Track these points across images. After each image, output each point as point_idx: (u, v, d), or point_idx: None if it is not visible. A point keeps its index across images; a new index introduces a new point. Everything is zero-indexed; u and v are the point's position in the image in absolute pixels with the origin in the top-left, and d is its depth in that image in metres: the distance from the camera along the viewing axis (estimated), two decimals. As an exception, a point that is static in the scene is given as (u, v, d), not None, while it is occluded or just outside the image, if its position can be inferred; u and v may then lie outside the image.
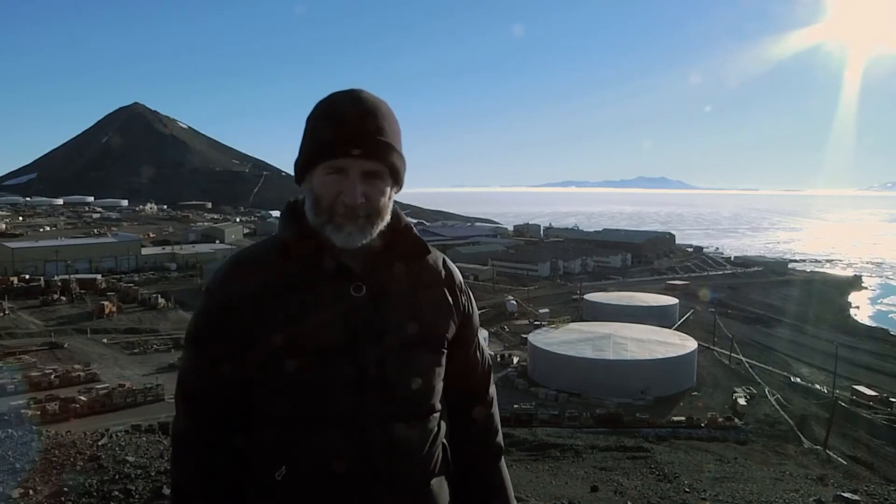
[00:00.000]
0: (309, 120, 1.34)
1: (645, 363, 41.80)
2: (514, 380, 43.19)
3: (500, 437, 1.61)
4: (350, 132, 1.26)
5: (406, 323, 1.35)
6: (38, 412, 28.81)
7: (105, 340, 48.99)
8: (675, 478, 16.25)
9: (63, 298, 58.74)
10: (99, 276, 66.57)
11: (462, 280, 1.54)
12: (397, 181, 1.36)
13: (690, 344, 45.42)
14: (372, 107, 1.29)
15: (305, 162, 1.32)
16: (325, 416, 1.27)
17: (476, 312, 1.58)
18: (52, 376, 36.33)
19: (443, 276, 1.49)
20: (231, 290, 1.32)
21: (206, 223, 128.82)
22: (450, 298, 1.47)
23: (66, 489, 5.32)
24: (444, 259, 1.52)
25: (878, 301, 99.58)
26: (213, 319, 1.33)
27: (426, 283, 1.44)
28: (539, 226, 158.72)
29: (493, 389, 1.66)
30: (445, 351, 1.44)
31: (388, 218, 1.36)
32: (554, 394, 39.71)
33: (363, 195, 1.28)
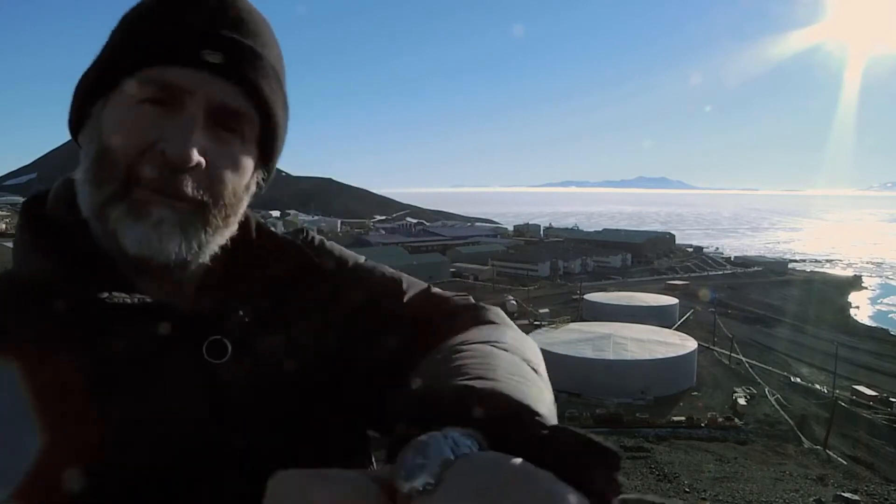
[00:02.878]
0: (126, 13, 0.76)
1: (645, 363, 41.83)
2: (514, 380, 43.20)
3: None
4: (205, 15, 0.71)
5: (289, 387, 0.78)
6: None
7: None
8: (675, 478, 16.27)
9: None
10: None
11: (354, 259, 0.94)
12: (268, 152, 0.79)
13: (690, 344, 45.45)
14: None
15: (95, 77, 0.73)
16: None
17: (386, 276, 0.93)
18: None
19: (327, 291, 0.87)
20: None
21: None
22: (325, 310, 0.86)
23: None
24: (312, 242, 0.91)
25: (878, 301, 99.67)
26: None
27: (301, 313, 0.84)
28: (539, 226, 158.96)
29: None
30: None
31: (236, 219, 0.78)
32: (554, 394, 39.72)
33: (202, 150, 0.70)
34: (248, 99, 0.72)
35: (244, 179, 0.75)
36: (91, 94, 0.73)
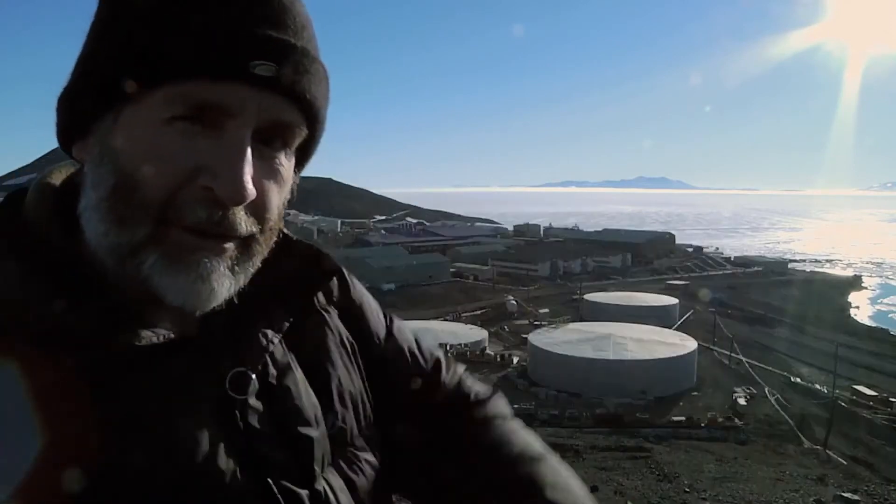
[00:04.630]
0: None
1: (645, 363, 41.85)
2: (514, 380, 43.25)
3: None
4: (257, 17, 0.57)
5: (325, 417, 0.72)
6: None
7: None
8: (675, 478, 16.28)
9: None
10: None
11: (360, 290, 0.87)
12: (307, 152, 0.68)
13: (690, 344, 45.48)
14: None
15: (98, 84, 0.58)
16: None
17: (407, 337, 0.90)
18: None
19: (337, 299, 0.83)
20: None
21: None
22: (351, 337, 0.82)
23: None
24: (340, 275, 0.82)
25: (878, 301, 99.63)
26: None
27: (320, 328, 0.78)
28: (539, 226, 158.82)
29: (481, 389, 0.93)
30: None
31: (275, 235, 0.67)
32: (554, 394, 39.75)
33: (253, 181, 0.58)
34: (297, 106, 0.60)
35: (286, 193, 0.65)
36: (92, 102, 0.58)
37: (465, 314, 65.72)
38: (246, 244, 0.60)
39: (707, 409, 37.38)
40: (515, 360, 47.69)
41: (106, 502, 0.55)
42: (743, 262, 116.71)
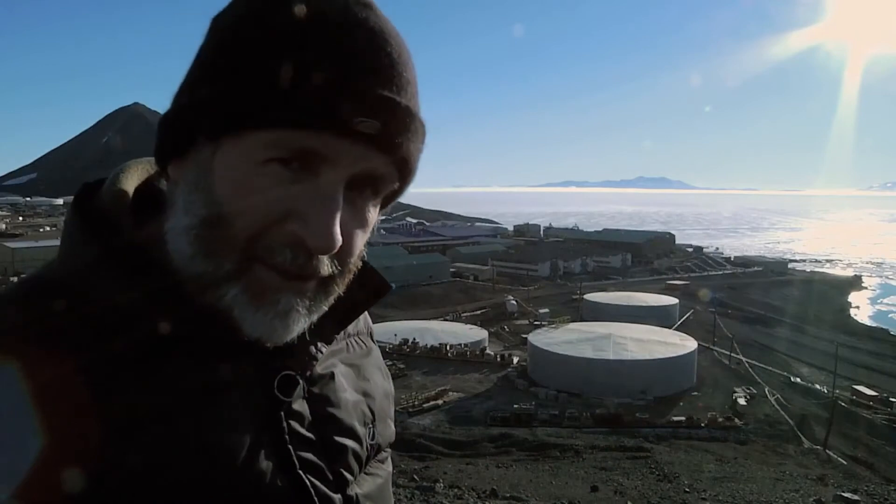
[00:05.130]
0: (239, 21, 0.60)
1: (645, 363, 41.85)
2: (514, 380, 43.24)
3: None
4: (369, 79, 0.58)
5: (366, 428, 0.77)
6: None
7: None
8: (675, 478, 16.28)
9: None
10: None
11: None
12: (393, 197, 0.69)
13: (690, 344, 45.47)
14: (400, 40, 0.62)
15: (210, 118, 0.59)
16: None
17: None
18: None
19: (364, 322, 0.88)
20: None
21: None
22: (384, 366, 0.89)
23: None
24: None
25: (878, 301, 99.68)
26: None
27: (361, 342, 0.85)
28: (539, 226, 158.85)
29: None
30: None
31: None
32: (554, 394, 39.74)
33: (340, 227, 0.59)
34: (392, 161, 0.61)
35: (369, 234, 0.66)
36: (196, 132, 0.60)
37: (465, 314, 65.70)
38: (325, 283, 0.62)
39: (707, 409, 37.37)
40: (515, 360, 47.66)
41: (110, 502, 0.55)
42: (743, 262, 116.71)
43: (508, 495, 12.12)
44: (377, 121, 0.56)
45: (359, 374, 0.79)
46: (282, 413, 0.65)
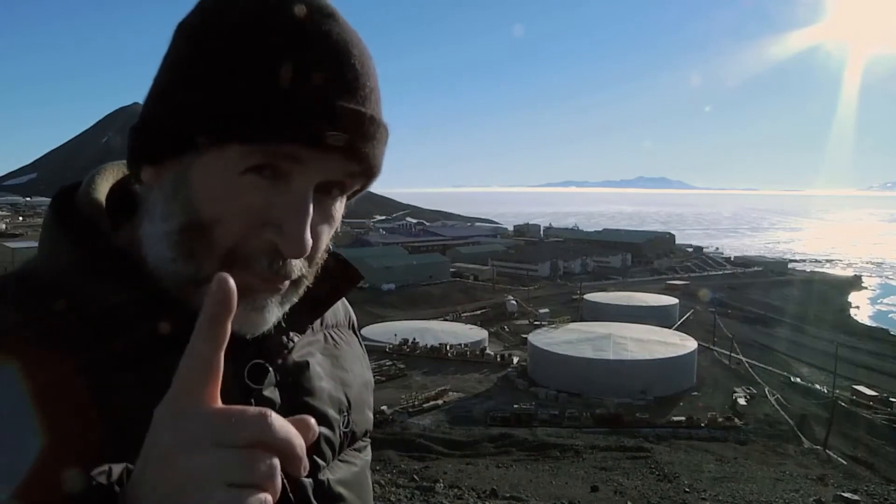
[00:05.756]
0: (206, 29, 0.62)
1: (645, 363, 41.86)
2: (514, 380, 43.25)
3: None
4: (337, 91, 0.61)
5: (339, 415, 0.79)
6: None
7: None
8: (675, 478, 16.28)
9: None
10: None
11: (352, 312, 0.97)
12: (362, 189, 0.72)
13: (690, 344, 45.50)
14: (363, 48, 0.66)
15: (187, 130, 0.61)
16: None
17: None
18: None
19: (345, 314, 0.93)
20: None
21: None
22: (364, 357, 0.93)
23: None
24: None
25: (878, 301, 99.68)
26: None
27: (338, 333, 0.88)
28: (539, 226, 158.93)
29: None
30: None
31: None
32: (554, 394, 39.75)
33: (311, 230, 0.63)
34: (359, 165, 0.64)
35: (335, 228, 0.70)
36: (171, 142, 0.62)
37: (465, 314, 65.71)
38: (298, 281, 0.67)
39: (707, 409, 37.37)
40: (515, 360, 47.66)
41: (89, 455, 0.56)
42: (743, 262, 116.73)
43: (508, 495, 12.12)
44: (345, 133, 0.60)
45: (336, 364, 0.82)
46: (251, 400, 0.68)
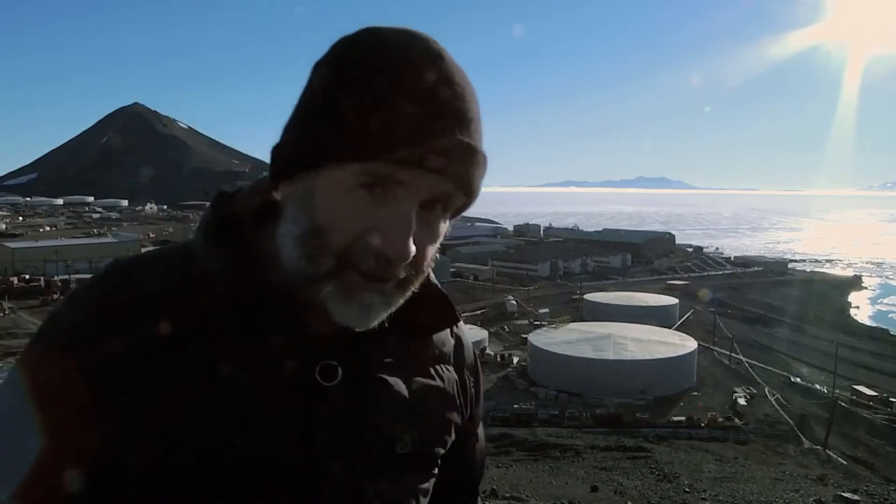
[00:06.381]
0: (334, 70, 0.74)
1: (645, 363, 41.85)
2: (514, 380, 43.26)
3: None
4: (440, 122, 0.70)
5: (398, 434, 0.83)
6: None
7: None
8: (675, 478, 16.26)
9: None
10: (99, 277, 66.54)
11: (474, 354, 1.02)
12: (463, 208, 0.80)
13: (690, 344, 45.48)
14: (466, 84, 0.75)
15: (313, 152, 0.72)
16: None
17: (483, 397, 1.06)
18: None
19: (452, 354, 0.96)
20: (108, 343, 0.72)
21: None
22: (459, 391, 0.96)
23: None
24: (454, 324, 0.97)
25: (878, 301, 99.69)
26: (70, 385, 0.70)
27: (430, 366, 0.92)
28: (539, 226, 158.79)
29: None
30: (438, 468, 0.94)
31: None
32: (554, 394, 39.74)
33: (414, 240, 0.72)
34: (456, 186, 0.73)
35: (439, 243, 0.78)
36: (303, 162, 0.73)
37: (465, 314, 64.88)
38: (401, 283, 0.75)
39: (707, 409, 37.37)
40: (515, 360, 47.67)
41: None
42: (743, 262, 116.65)
43: (508, 495, 12.10)
44: (447, 159, 0.69)
45: (418, 394, 0.86)
46: (315, 400, 0.77)
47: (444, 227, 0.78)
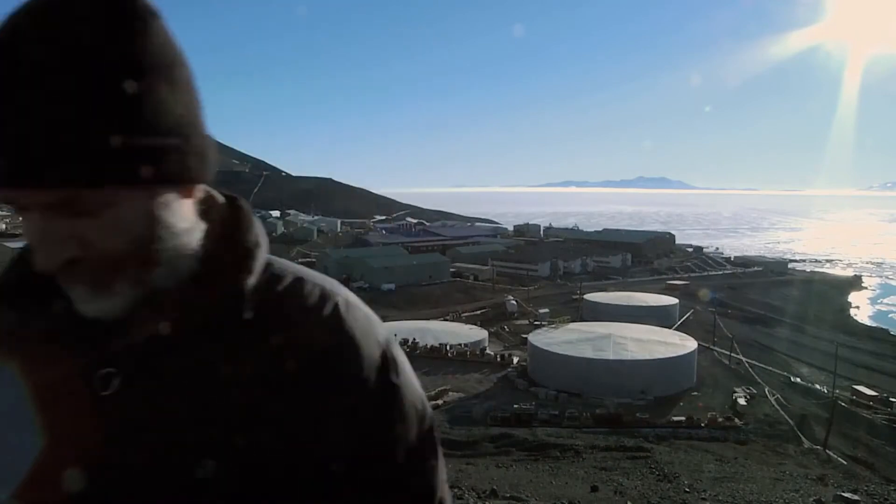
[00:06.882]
0: None
1: (645, 363, 41.85)
2: (514, 380, 43.25)
3: None
4: None
5: (193, 453, 0.66)
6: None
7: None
8: (675, 478, 16.28)
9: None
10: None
11: (388, 345, 0.79)
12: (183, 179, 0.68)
13: (690, 344, 45.48)
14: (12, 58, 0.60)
15: None
16: None
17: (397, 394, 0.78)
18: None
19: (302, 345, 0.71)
20: None
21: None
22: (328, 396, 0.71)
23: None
24: (327, 301, 0.75)
25: (878, 301, 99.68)
26: None
27: (235, 357, 0.69)
28: (539, 226, 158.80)
29: None
30: None
31: (178, 252, 0.69)
32: (554, 394, 39.74)
33: (72, 242, 0.65)
34: (56, 189, 0.62)
35: (125, 227, 0.65)
36: None
37: (465, 314, 65.68)
38: (101, 278, 0.66)
39: (707, 409, 37.36)
40: (515, 360, 47.67)
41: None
42: (743, 262, 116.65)
43: (508, 495, 12.11)
44: (9, 183, 0.61)
45: (212, 399, 0.68)
46: (90, 416, 0.66)
47: (109, 213, 0.64)
